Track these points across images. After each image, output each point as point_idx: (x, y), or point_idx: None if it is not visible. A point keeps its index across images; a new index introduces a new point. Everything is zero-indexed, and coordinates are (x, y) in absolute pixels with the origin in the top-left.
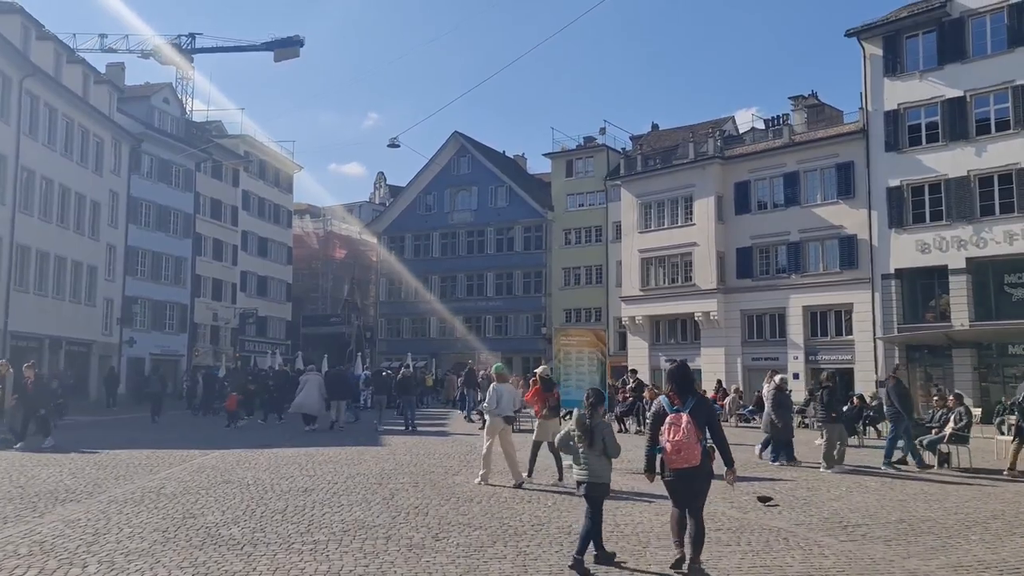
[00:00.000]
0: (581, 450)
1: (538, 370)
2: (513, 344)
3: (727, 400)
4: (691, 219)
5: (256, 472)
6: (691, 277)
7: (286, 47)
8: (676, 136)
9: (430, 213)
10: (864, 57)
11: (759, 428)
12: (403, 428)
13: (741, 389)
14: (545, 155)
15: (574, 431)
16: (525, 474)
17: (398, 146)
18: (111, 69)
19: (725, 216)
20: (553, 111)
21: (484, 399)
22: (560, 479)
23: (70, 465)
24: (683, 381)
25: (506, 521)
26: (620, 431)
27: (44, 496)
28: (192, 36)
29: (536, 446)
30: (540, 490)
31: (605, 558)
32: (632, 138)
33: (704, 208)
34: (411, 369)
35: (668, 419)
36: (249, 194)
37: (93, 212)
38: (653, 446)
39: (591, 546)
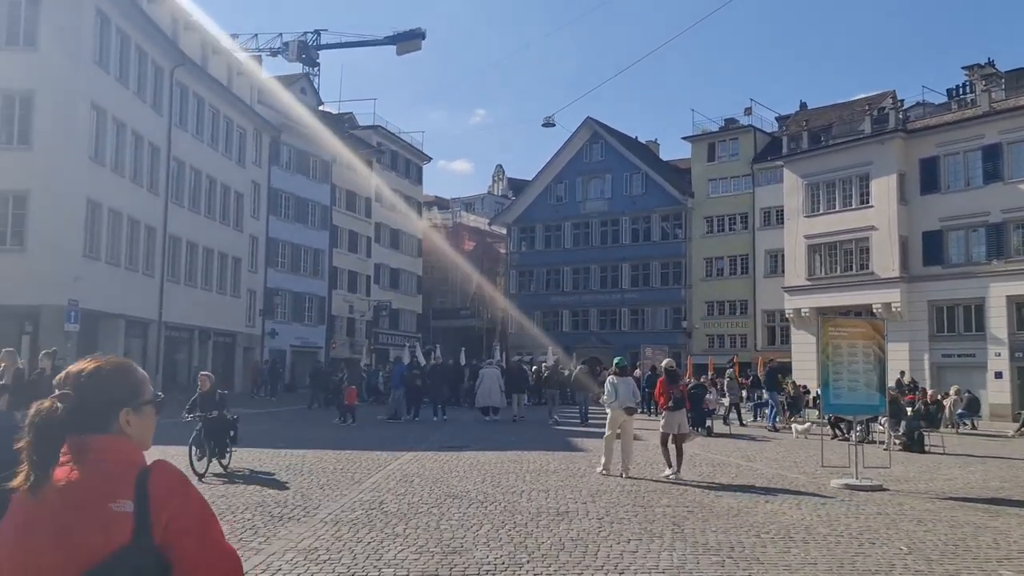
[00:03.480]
0: None
1: (663, 363)
2: (650, 338)
3: (948, 402)
4: (868, 200)
5: (474, 483)
6: (868, 265)
7: (408, 40)
8: (829, 115)
9: (561, 203)
10: None
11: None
12: (577, 422)
13: (929, 389)
14: (685, 138)
15: None
16: (668, 469)
17: (553, 125)
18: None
19: (909, 196)
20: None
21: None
22: (677, 471)
23: (262, 468)
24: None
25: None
26: None
27: (254, 509)
28: (318, 32)
29: (664, 438)
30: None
31: None
32: (779, 119)
33: (884, 188)
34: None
35: None
36: (382, 186)
37: (237, 203)
38: None
39: None
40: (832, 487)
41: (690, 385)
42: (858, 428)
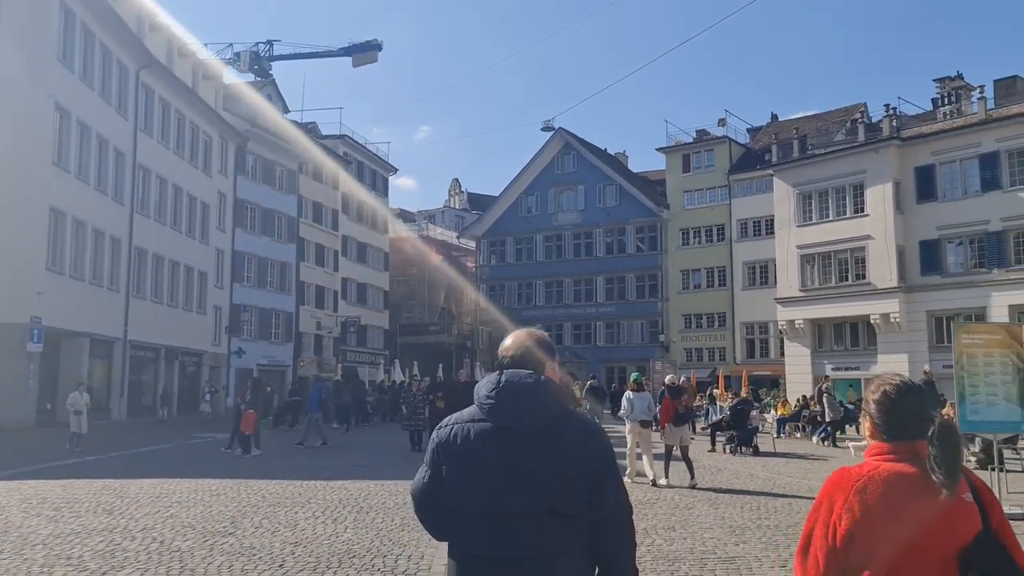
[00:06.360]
0: None
1: (666, 379)
2: (626, 352)
3: None
4: (863, 209)
5: None
6: (864, 275)
7: (364, 51)
8: (804, 125)
9: (532, 215)
10: None
11: None
12: None
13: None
14: (659, 149)
15: None
16: (663, 479)
17: (553, 129)
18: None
19: (905, 205)
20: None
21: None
22: (692, 478)
23: (327, 508)
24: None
25: None
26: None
27: (328, 558)
28: (270, 43)
29: (668, 450)
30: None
31: None
32: (750, 130)
33: (879, 196)
34: (596, 380)
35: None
36: (348, 197)
37: (203, 214)
38: None
39: None
40: None
41: (735, 402)
42: (997, 448)
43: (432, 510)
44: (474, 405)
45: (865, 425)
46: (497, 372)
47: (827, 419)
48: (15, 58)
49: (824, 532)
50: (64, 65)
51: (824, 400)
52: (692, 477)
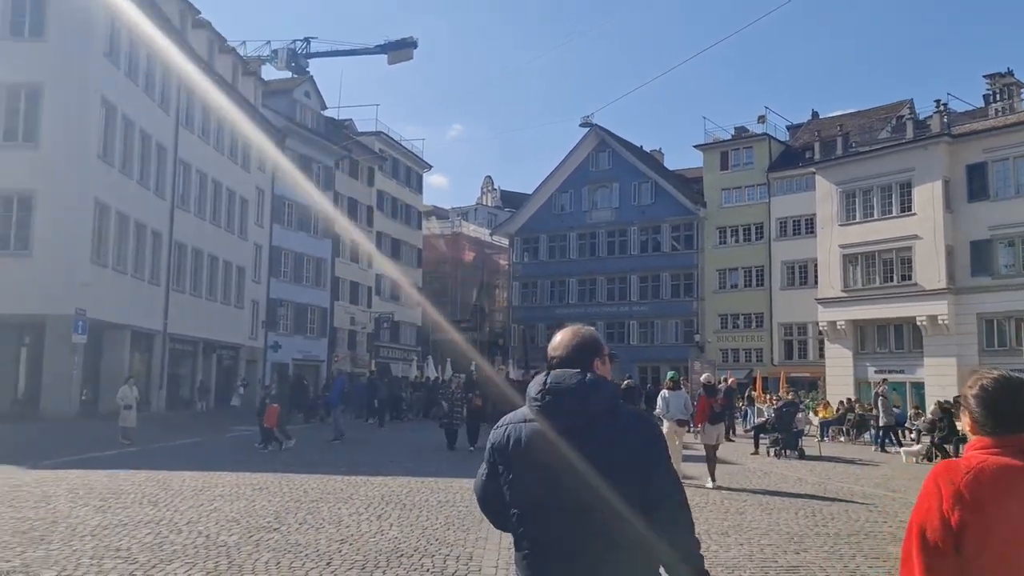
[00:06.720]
0: None
1: (702, 378)
2: (660, 352)
3: None
4: (910, 208)
5: None
6: (911, 275)
7: (400, 49)
8: (850, 122)
9: (566, 212)
10: None
11: None
12: None
13: None
14: (696, 147)
15: None
16: (710, 482)
17: (592, 125)
18: (253, 63)
19: (955, 204)
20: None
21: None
22: (712, 480)
23: (369, 504)
24: None
25: None
26: None
27: (376, 556)
28: (307, 40)
29: (708, 450)
30: None
31: None
32: (790, 128)
33: (927, 195)
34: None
35: None
36: (383, 194)
37: (242, 209)
38: None
39: None
40: None
41: (780, 404)
42: None
43: (493, 506)
44: (525, 406)
45: (965, 420)
46: (544, 373)
47: (881, 423)
48: (64, 53)
49: (936, 524)
50: (110, 60)
51: (879, 404)
52: (713, 480)
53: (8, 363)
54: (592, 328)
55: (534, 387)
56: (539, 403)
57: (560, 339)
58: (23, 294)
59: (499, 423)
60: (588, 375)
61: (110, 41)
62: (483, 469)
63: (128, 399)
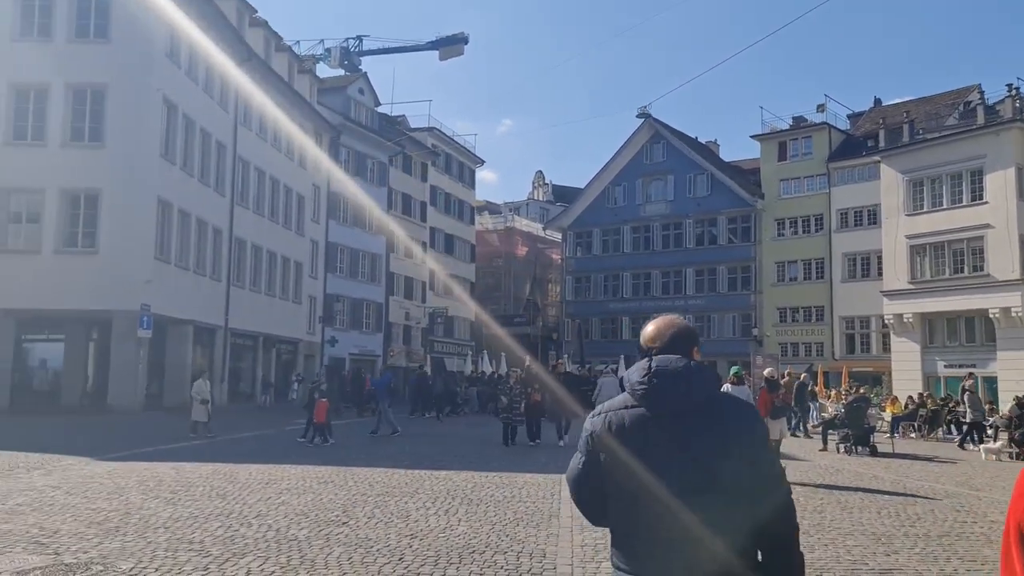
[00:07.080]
0: None
1: (764, 372)
2: (717, 346)
3: None
4: (982, 196)
5: None
6: (983, 266)
7: (451, 44)
8: (915, 109)
9: (619, 206)
10: None
11: None
12: None
13: None
14: (753, 137)
15: None
16: None
17: (647, 116)
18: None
19: None
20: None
21: None
22: None
23: (435, 499)
24: None
25: None
26: None
27: (448, 552)
28: (359, 39)
29: (774, 446)
30: None
31: None
32: (851, 116)
33: (1000, 183)
34: None
35: None
36: (437, 189)
37: (299, 206)
38: None
39: None
40: None
41: (850, 399)
42: None
43: (589, 495)
44: (624, 393)
45: None
46: (646, 359)
47: (968, 419)
48: (128, 53)
49: None
50: (171, 60)
51: (966, 399)
52: None
53: (77, 358)
54: (683, 318)
55: (637, 372)
56: (644, 387)
57: (656, 330)
58: (90, 291)
59: (595, 411)
60: (691, 361)
61: (171, 41)
62: (579, 458)
63: (204, 393)
